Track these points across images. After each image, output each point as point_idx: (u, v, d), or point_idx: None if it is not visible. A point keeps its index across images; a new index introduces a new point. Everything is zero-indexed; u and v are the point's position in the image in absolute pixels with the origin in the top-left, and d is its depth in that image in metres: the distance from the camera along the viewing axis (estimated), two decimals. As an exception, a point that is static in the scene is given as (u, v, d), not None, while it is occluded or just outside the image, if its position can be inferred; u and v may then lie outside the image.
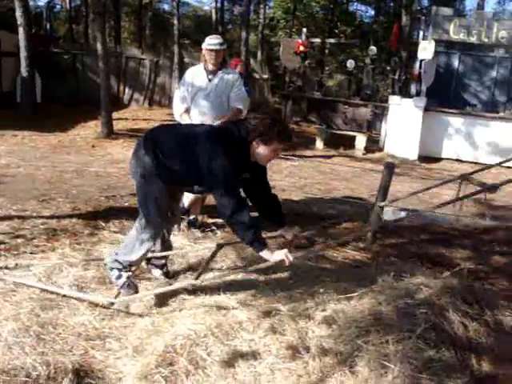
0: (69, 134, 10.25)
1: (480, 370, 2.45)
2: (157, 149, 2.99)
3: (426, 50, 10.62)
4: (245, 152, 2.92)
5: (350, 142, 11.42)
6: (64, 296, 3.13)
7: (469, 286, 3.17)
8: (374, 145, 11.63)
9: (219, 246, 3.48)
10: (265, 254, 2.83)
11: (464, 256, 4.65)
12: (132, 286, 3.18)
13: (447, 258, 4.53)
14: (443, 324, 2.58)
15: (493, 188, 4.01)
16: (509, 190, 8.17)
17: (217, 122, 4.56)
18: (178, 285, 3.16)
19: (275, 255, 2.81)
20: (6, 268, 3.51)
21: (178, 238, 4.30)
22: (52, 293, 3.15)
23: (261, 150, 2.91)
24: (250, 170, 3.05)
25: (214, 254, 3.40)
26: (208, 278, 3.20)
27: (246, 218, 2.80)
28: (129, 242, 3.19)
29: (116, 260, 3.19)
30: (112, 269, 3.20)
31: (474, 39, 12.02)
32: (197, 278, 3.18)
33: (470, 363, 2.43)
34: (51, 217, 4.73)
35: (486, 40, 11.96)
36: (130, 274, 3.20)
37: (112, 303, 3.07)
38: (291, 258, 2.80)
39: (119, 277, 3.16)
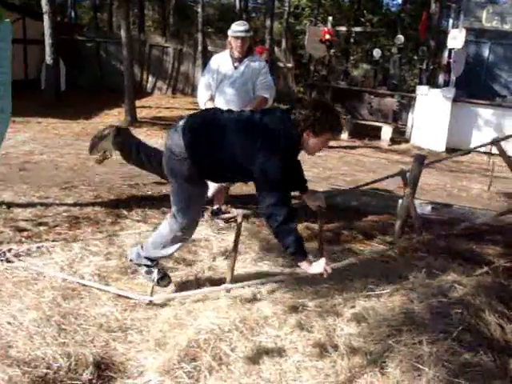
0: (92, 122, 10.25)
1: (519, 375, 2.32)
2: (201, 143, 2.75)
3: (456, 38, 10.30)
4: (297, 145, 2.75)
5: (375, 133, 11.20)
6: (85, 286, 3.09)
7: (504, 284, 3.01)
8: (400, 136, 11.39)
9: (239, 224, 3.24)
10: (304, 265, 2.70)
11: (496, 252, 4.47)
12: (165, 278, 3.08)
13: (478, 254, 4.36)
14: (479, 325, 2.45)
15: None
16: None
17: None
18: (212, 289, 3.03)
19: (314, 267, 2.68)
20: (29, 255, 3.48)
21: (201, 227, 4.21)
22: (76, 282, 3.11)
23: (311, 141, 2.72)
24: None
25: (237, 237, 3.22)
26: (239, 282, 3.06)
27: (295, 227, 2.66)
28: (160, 238, 3.02)
29: (145, 257, 3.05)
30: (140, 265, 3.09)
31: (508, 27, 11.62)
32: (231, 281, 3.03)
33: (509, 367, 2.29)
34: (74, 204, 4.70)
35: (520, 28, 11.58)
36: (160, 267, 3.10)
37: (150, 301, 2.99)
38: (329, 270, 2.67)
39: (149, 272, 3.05)
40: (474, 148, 5.91)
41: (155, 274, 3.04)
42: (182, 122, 2.85)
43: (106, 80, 13.39)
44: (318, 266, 2.67)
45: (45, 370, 2.21)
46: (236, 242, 3.09)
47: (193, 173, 2.80)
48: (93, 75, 13.52)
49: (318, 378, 2.26)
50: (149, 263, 3.05)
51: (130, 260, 3.14)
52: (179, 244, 3.04)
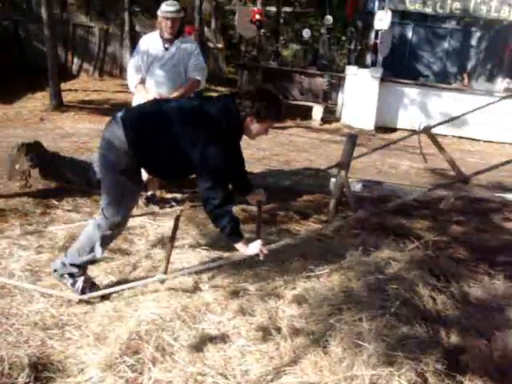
0: (14, 107, 9.67)
1: (449, 343, 2.45)
2: (139, 140, 2.69)
3: (382, 20, 10.57)
4: (239, 130, 2.77)
5: (306, 113, 11.36)
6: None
7: (435, 258, 3.17)
8: (330, 115, 11.60)
9: (176, 218, 3.23)
10: (240, 246, 2.72)
11: (425, 226, 4.70)
12: (93, 287, 2.91)
13: (409, 229, 4.55)
14: (414, 299, 2.56)
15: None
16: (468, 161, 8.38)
17: (174, 94, 4.37)
18: (148, 280, 2.91)
19: (250, 248, 2.70)
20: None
21: (136, 214, 4.12)
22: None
23: (254, 127, 2.75)
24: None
25: (175, 229, 3.18)
26: (176, 270, 3.00)
27: (230, 210, 2.67)
28: (86, 241, 2.86)
29: (70, 264, 2.86)
30: (63, 275, 2.87)
31: (429, 10, 12.11)
32: (165, 272, 2.94)
33: (440, 336, 2.42)
34: (-2, 196, 4.43)
35: (440, 11, 12.08)
36: (86, 276, 2.91)
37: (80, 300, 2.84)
38: (265, 251, 2.69)
39: (74, 283, 2.86)
40: (414, 132, 6.04)
41: (80, 283, 2.86)
42: (121, 114, 2.75)
43: (27, 61, 12.59)
44: (254, 247, 2.70)
45: (-25, 377, 2.08)
46: (173, 234, 3.01)
47: (131, 167, 2.72)
48: (12, 56, 12.68)
49: (263, 361, 2.28)
50: (74, 271, 2.86)
51: (55, 271, 2.91)
52: (107, 244, 2.92)
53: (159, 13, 4.35)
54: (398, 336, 2.23)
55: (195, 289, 2.81)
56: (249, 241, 2.75)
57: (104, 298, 2.85)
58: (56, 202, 4.35)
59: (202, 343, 2.37)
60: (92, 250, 2.85)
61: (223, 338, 2.41)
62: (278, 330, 2.43)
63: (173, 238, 3.02)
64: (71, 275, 2.86)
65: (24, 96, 10.46)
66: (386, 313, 2.35)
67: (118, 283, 3.00)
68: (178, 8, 4.34)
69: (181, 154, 2.67)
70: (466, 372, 2.25)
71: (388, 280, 2.65)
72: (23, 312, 2.65)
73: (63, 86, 10.54)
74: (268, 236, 4.00)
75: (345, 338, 2.26)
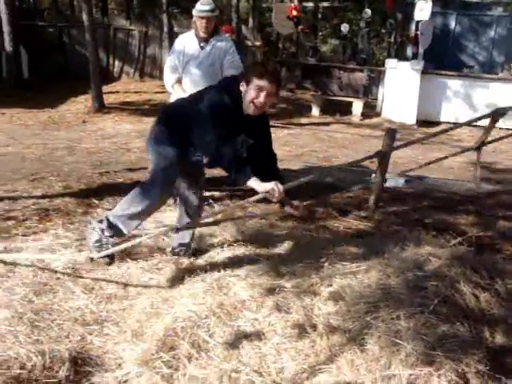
0: (59, 110, 9.97)
1: (494, 343, 2.36)
2: (168, 116, 3.05)
3: (422, 10, 10.29)
4: (238, 99, 2.85)
5: (346, 108, 11.20)
6: (58, 279, 3.01)
7: (478, 254, 3.05)
8: (371, 110, 11.40)
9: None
10: (252, 182, 2.72)
11: (468, 222, 4.54)
12: (110, 258, 3.08)
13: (451, 224, 4.41)
14: (455, 296, 2.47)
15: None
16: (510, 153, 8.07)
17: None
18: (158, 230, 3.20)
19: (265, 184, 2.71)
20: (-2, 253, 3.38)
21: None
22: (49, 275, 3.03)
23: (246, 94, 2.82)
24: (252, 134, 2.98)
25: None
26: (207, 259, 3.08)
27: (236, 158, 2.78)
28: (127, 199, 3.06)
29: (106, 218, 3.03)
30: (94, 229, 3.04)
31: (472, -3, 11.70)
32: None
33: (483, 336, 2.32)
34: (43, 196, 4.57)
35: (484, -3, 11.67)
36: (112, 240, 3.05)
37: (91, 259, 3.01)
38: (281, 189, 2.69)
39: (99, 241, 3.02)
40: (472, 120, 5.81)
41: (103, 244, 3.02)
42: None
43: (70, 66, 13.01)
44: (269, 184, 2.69)
45: (18, 371, 2.14)
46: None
47: (163, 133, 2.99)
48: (57, 62, 13.10)
49: (298, 358, 2.26)
50: (104, 226, 3.01)
51: (90, 223, 3.10)
52: (144, 208, 3.01)
53: (194, 12, 4.38)
54: (437, 335, 2.15)
55: (231, 286, 2.80)
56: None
57: (141, 294, 2.89)
58: (97, 202, 4.46)
59: (237, 340, 2.36)
60: (131, 205, 3.01)
61: (258, 335, 2.39)
62: (314, 327, 2.40)
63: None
64: (101, 230, 3.02)
65: (68, 99, 10.78)
66: (424, 311, 2.28)
67: (156, 280, 3.04)
68: (212, 7, 4.36)
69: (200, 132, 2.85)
70: (513, 374, 2.15)
71: (427, 277, 2.57)
72: (64, 308, 2.71)
73: (105, 88, 10.80)
74: (305, 232, 3.97)
75: (382, 336, 2.20)
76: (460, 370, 2.01)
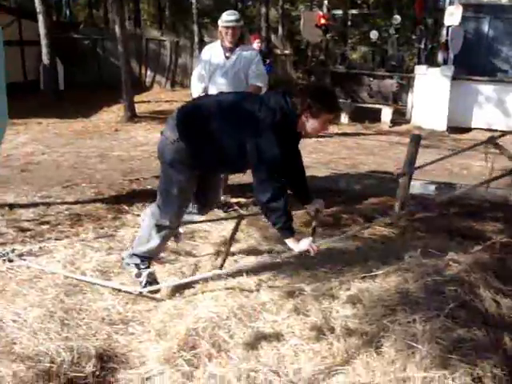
0: (92, 119, 10.29)
1: (514, 348, 2.34)
2: (189, 129, 2.77)
3: (452, 15, 10.19)
4: (295, 125, 2.76)
5: (375, 115, 11.16)
6: (88, 282, 3.14)
7: (501, 260, 3.03)
8: (400, 117, 11.33)
9: (239, 219, 3.40)
10: (290, 242, 2.78)
11: (495, 229, 4.49)
12: (153, 284, 3.05)
13: (478, 231, 4.37)
14: (474, 301, 2.47)
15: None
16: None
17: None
18: (202, 275, 3.09)
19: (300, 245, 2.75)
20: (32, 254, 3.54)
21: (200, 218, 4.26)
22: (76, 279, 3.17)
23: (310, 123, 2.72)
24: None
25: (235, 229, 3.31)
26: (231, 264, 3.14)
27: (283, 205, 2.70)
28: (144, 231, 3.05)
29: (133, 254, 3.07)
30: (128, 264, 3.09)
31: (505, 1, 11.47)
32: (221, 267, 3.12)
33: (502, 341, 2.32)
34: (75, 202, 4.76)
35: (518, 1, 11.44)
36: (151, 270, 3.09)
37: (140, 292, 3.02)
38: (315, 248, 2.73)
39: (139, 275, 3.03)
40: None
41: (144, 277, 3.02)
42: (176, 111, 2.89)
43: (104, 77, 13.39)
44: (304, 244, 2.73)
45: (48, 364, 2.26)
46: (233, 233, 3.14)
47: (180, 158, 2.80)
48: (91, 72, 13.53)
49: (315, 360, 2.30)
50: (138, 261, 3.05)
51: (123, 259, 3.17)
52: (165, 234, 3.02)
53: (220, 22, 4.50)
54: (453, 338, 2.16)
55: (252, 289, 2.87)
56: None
57: (166, 295, 2.99)
58: (127, 208, 4.60)
59: (256, 341, 2.42)
60: (149, 238, 3.01)
61: (277, 337, 2.45)
62: (332, 329, 2.44)
63: (232, 236, 3.14)
64: (136, 265, 3.05)
65: (101, 109, 11.10)
66: (441, 314, 2.29)
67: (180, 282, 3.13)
68: (237, 17, 4.48)
69: (232, 144, 2.72)
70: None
71: (447, 282, 2.57)
72: (92, 308, 2.84)
73: (137, 97, 11.08)
74: (330, 238, 4.00)
75: (398, 339, 2.22)
76: (475, 374, 2.01)
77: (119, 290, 3.05)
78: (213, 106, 2.85)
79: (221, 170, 3.31)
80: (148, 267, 3.08)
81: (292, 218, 2.80)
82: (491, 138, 3.95)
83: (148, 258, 3.09)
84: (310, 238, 2.75)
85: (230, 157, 2.81)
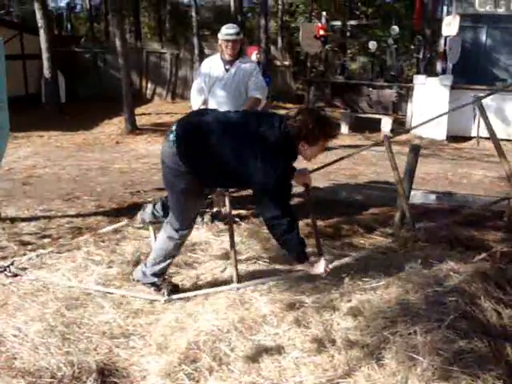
0: (93, 132, 10.33)
1: (515, 359, 2.34)
2: (191, 145, 2.77)
3: (450, 25, 10.26)
4: (295, 154, 2.83)
5: (375, 125, 11.19)
6: (88, 295, 3.14)
7: (502, 269, 3.03)
8: (400, 127, 11.36)
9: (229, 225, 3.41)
10: (305, 266, 2.86)
11: (497, 238, 4.48)
12: (175, 288, 3.18)
13: (479, 241, 4.37)
14: (475, 312, 2.47)
15: None
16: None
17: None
18: (222, 288, 3.13)
19: (315, 268, 2.83)
20: (33, 267, 3.54)
21: (201, 231, 4.28)
22: (80, 291, 3.17)
23: (308, 150, 2.80)
24: None
25: (231, 237, 3.33)
26: (247, 283, 3.14)
27: (296, 234, 2.76)
28: (162, 251, 3.09)
29: (151, 274, 3.12)
30: (145, 284, 3.17)
31: (501, 10, 11.55)
32: (238, 281, 3.12)
33: (504, 353, 2.31)
34: (76, 215, 4.77)
35: (515, 10, 11.51)
36: (167, 281, 3.18)
37: (165, 301, 3.08)
38: (329, 270, 2.83)
39: (159, 289, 3.13)
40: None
41: (165, 289, 3.12)
42: (172, 131, 2.85)
43: (105, 89, 13.46)
44: (320, 268, 2.80)
45: (49, 380, 2.27)
46: (232, 242, 3.15)
47: (189, 185, 2.84)
48: (92, 85, 13.61)
49: (317, 372, 2.30)
50: (155, 280, 3.12)
51: (137, 281, 3.20)
52: (179, 249, 3.13)
53: (219, 36, 4.53)
54: (454, 350, 2.16)
55: (253, 301, 2.87)
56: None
57: (167, 310, 3.00)
58: (127, 220, 4.60)
59: (257, 354, 2.42)
60: (166, 258, 3.08)
61: (278, 350, 2.45)
62: (333, 342, 2.44)
63: (232, 245, 3.21)
64: (153, 284, 3.12)
65: (102, 122, 11.15)
66: (442, 325, 2.29)
67: (181, 295, 3.14)
68: (237, 30, 4.51)
69: (232, 170, 2.75)
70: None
71: (447, 292, 2.57)
72: (93, 322, 2.84)
73: (138, 110, 11.13)
74: (331, 249, 4.00)
75: (399, 351, 2.22)
76: (477, 386, 2.01)
77: (120, 303, 3.05)
78: (213, 123, 2.85)
79: (224, 185, 3.35)
80: (164, 280, 3.16)
81: (305, 244, 2.85)
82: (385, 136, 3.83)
83: (163, 272, 3.16)
84: (323, 261, 2.82)
85: (232, 174, 2.82)
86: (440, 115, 3.67)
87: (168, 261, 3.13)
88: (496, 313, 2.56)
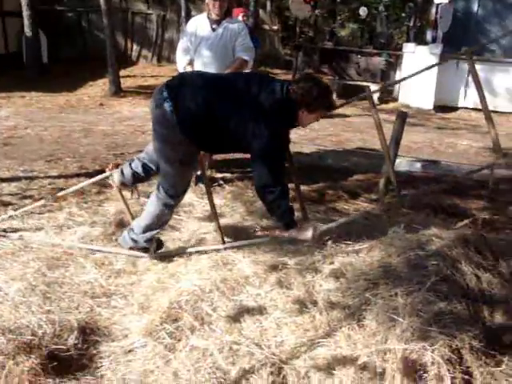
0: (76, 94, 10.10)
1: (492, 321, 2.38)
2: (186, 108, 2.70)
3: (442, -7, 10.12)
4: (293, 117, 2.84)
5: (363, 93, 11.10)
6: (70, 255, 3.12)
7: (483, 236, 3.05)
8: (388, 95, 11.31)
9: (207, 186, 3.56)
10: (293, 232, 2.87)
11: (480, 206, 4.54)
12: (160, 245, 3.17)
13: (462, 208, 4.42)
14: (455, 276, 2.49)
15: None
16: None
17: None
18: (209, 247, 3.15)
19: (305, 234, 2.84)
20: (16, 228, 3.50)
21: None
22: (62, 250, 3.15)
23: (306, 117, 2.84)
24: None
25: (210, 200, 3.31)
26: (231, 244, 3.15)
27: (286, 203, 2.80)
28: (153, 217, 3.01)
29: (144, 241, 3.06)
30: (132, 249, 3.13)
31: (495, -21, 11.42)
32: (223, 242, 3.15)
33: (482, 315, 2.35)
34: (58, 176, 4.70)
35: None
36: (156, 242, 3.15)
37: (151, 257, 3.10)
38: (317, 236, 2.86)
39: (147, 250, 3.11)
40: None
41: (152, 248, 3.10)
42: (166, 99, 2.72)
43: (89, 50, 13.10)
44: (307, 233, 2.83)
45: (30, 337, 2.26)
46: (211, 203, 3.23)
47: (186, 155, 2.82)
48: (75, 46, 13.22)
49: (298, 332, 2.32)
50: (148, 245, 3.08)
51: (130, 248, 3.14)
52: (171, 213, 3.11)
53: (206, -6, 4.40)
54: (433, 311, 2.19)
55: (236, 262, 2.87)
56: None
57: (149, 270, 2.99)
58: (110, 182, 4.54)
59: (239, 314, 2.43)
60: (159, 223, 3.05)
61: (260, 310, 2.46)
62: (314, 303, 2.45)
63: (212, 206, 3.21)
64: (145, 249, 3.10)
65: (86, 83, 10.88)
66: (422, 288, 2.31)
67: (164, 256, 3.13)
68: (224, -11, 4.38)
69: (232, 126, 2.72)
70: (508, 352, 2.18)
71: (429, 256, 2.59)
72: (75, 282, 2.83)
73: (122, 72, 10.88)
74: (315, 214, 4.01)
75: (380, 312, 2.24)
76: (454, 346, 2.04)
77: (102, 263, 3.04)
78: (211, 88, 2.80)
79: (222, 150, 3.39)
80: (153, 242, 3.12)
81: (294, 211, 2.88)
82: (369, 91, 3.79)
83: (151, 239, 3.09)
84: (311, 229, 2.84)
85: (231, 138, 2.80)
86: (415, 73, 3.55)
87: (163, 226, 3.13)
88: (475, 277, 2.59)
